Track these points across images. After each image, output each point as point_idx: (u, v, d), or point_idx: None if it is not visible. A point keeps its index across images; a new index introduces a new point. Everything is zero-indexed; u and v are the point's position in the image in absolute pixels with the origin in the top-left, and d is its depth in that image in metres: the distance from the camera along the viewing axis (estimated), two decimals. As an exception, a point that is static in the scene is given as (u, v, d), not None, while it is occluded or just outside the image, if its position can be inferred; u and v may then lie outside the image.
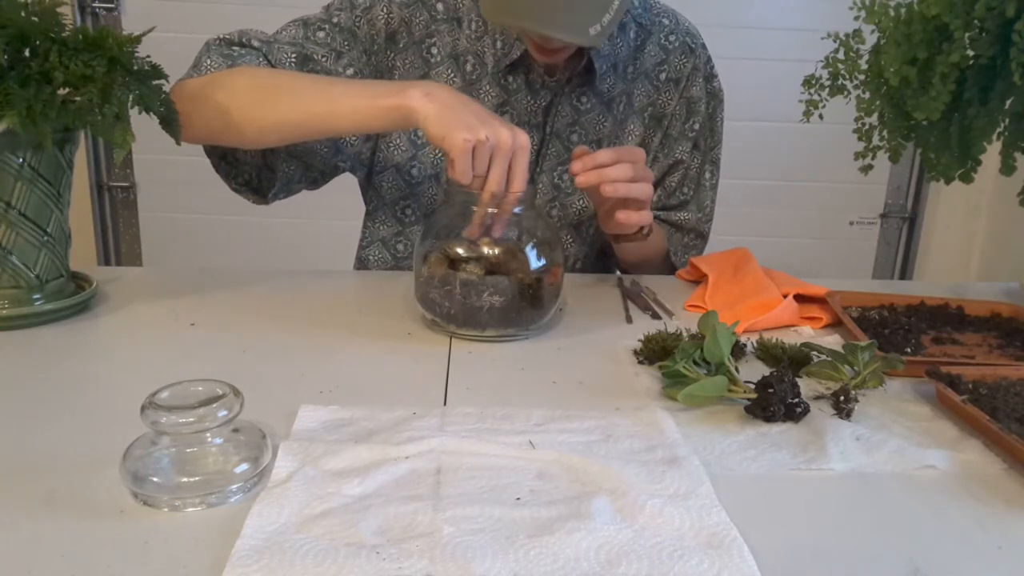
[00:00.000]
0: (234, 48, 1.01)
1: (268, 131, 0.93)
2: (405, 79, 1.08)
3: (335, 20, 1.06)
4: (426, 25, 1.08)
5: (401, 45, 1.08)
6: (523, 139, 0.83)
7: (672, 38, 1.15)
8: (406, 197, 1.15)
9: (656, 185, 1.17)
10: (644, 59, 1.14)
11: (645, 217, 0.97)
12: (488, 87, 1.10)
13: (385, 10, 1.07)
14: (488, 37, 1.08)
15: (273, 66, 1.01)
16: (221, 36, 1.02)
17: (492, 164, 0.83)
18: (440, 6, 1.09)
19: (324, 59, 1.03)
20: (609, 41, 1.10)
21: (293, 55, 1.02)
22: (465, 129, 0.81)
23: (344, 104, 0.89)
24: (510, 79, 1.09)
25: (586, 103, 1.12)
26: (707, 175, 1.21)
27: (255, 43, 1.02)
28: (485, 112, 0.86)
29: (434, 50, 1.09)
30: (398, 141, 1.12)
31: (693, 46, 1.16)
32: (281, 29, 1.06)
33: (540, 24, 0.90)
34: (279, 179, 1.06)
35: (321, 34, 1.05)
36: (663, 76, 1.15)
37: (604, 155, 0.92)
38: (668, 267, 1.22)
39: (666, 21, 1.16)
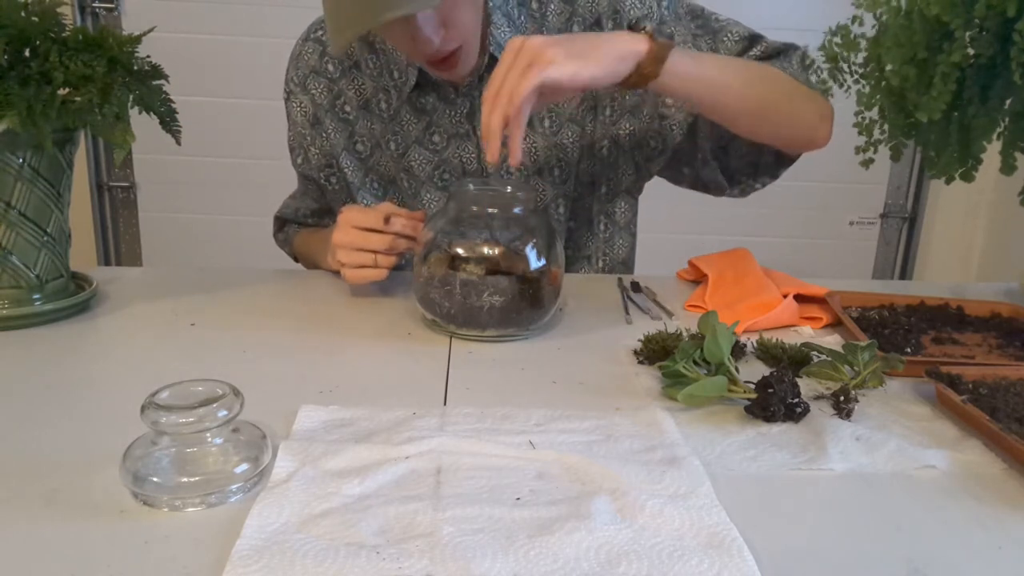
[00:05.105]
0: (286, 228, 1.27)
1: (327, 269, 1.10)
2: (336, 146, 1.12)
3: (300, 165, 1.16)
4: (328, 89, 1.10)
5: (323, 120, 1.11)
6: None
7: None
8: None
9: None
10: (550, 22, 1.05)
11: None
12: (408, 116, 1.08)
13: (297, 104, 1.12)
14: (385, 70, 1.07)
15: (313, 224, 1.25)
16: (275, 225, 1.29)
17: None
18: (331, 66, 1.09)
19: (327, 186, 1.16)
20: (510, 27, 1.02)
21: (312, 211, 1.24)
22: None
23: (324, 262, 1.08)
24: (422, 101, 1.07)
25: None
26: (713, 22, 1.06)
27: (301, 219, 1.24)
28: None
29: (347, 107, 1.10)
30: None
31: None
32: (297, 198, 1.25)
33: (383, 10, 0.81)
34: None
35: (312, 187, 1.19)
36: (576, 29, 1.05)
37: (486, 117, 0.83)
38: (808, 108, 1.02)
39: None
